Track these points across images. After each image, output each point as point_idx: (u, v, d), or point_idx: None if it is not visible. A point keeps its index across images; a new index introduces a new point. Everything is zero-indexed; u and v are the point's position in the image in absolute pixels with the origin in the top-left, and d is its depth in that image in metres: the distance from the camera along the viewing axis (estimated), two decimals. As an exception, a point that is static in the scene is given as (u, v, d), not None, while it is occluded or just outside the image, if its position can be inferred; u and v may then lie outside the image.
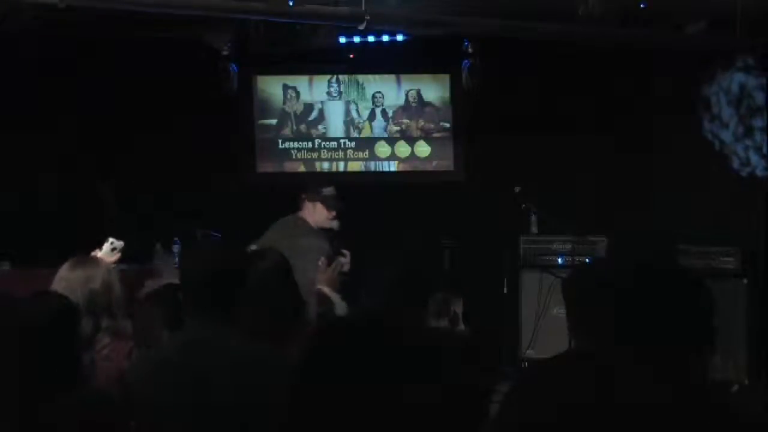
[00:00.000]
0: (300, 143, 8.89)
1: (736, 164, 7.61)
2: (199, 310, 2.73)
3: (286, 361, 2.68)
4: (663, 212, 8.17)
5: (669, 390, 2.07)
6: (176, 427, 2.67)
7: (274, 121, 8.89)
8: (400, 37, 8.13)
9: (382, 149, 8.87)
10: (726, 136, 7.76)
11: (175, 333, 2.90)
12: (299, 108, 8.87)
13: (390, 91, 8.83)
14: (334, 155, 8.88)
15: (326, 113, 8.85)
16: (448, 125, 8.82)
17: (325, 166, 8.92)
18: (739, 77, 7.85)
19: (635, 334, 2.14)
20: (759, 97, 7.72)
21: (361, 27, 5.97)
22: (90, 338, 3.64)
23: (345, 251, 5.59)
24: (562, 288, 2.46)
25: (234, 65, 8.05)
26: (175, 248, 7.28)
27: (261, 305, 2.98)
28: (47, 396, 2.82)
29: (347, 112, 8.85)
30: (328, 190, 6.16)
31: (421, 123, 8.84)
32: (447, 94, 8.78)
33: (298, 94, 8.85)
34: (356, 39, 8.12)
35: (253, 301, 2.86)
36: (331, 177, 8.86)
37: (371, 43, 8.19)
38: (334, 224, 6.18)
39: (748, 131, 7.70)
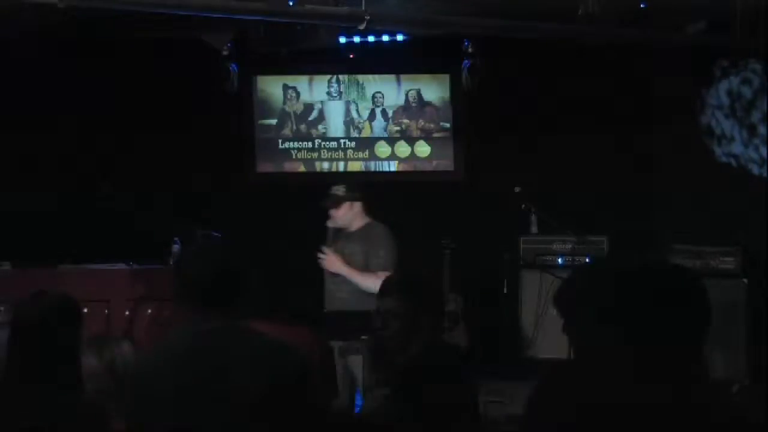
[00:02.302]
0: (300, 143, 8.89)
1: (756, 170, 7.58)
2: (202, 310, 2.73)
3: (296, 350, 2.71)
4: (663, 212, 8.18)
5: (669, 390, 2.08)
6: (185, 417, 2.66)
7: (274, 121, 8.89)
8: (400, 37, 8.13)
9: (382, 149, 8.87)
10: (738, 148, 7.74)
11: (182, 328, 2.87)
12: (299, 108, 8.87)
13: (390, 91, 8.82)
14: (334, 155, 8.88)
15: (326, 113, 8.85)
16: (448, 125, 8.82)
17: (325, 166, 8.92)
18: (723, 85, 7.86)
19: (635, 334, 2.14)
20: (746, 92, 7.73)
21: (361, 27, 5.96)
22: None
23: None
24: (558, 295, 2.46)
25: (234, 65, 8.04)
26: (175, 248, 7.28)
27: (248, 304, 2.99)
28: (49, 396, 2.82)
29: (347, 112, 8.85)
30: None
31: (421, 123, 8.84)
32: (447, 94, 8.78)
33: (298, 94, 8.85)
34: (356, 39, 8.11)
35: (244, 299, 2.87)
36: (331, 177, 8.87)
37: (371, 43, 8.18)
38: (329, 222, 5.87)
39: (752, 130, 7.70)
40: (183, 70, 8.16)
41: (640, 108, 8.31)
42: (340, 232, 5.83)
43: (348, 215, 5.76)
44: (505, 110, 8.38)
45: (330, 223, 5.77)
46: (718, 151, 7.85)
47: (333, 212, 5.76)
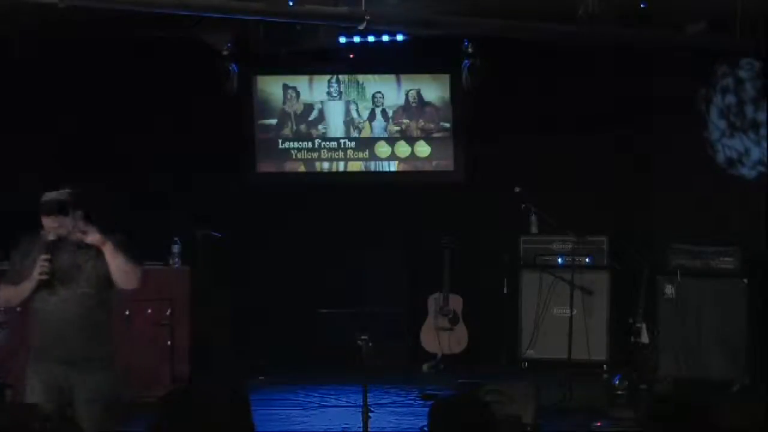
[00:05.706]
0: (300, 143, 8.89)
1: None
2: None
3: None
4: (663, 212, 8.18)
5: None
6: None
7: (274, 121, 8.89)
8: (400, 37, 8.13)
9: (382, 149, 8.87)
10: (756, 154, 7.72)
11: None
12: (299, 108, 8.87)
13: (390, 91, 8.82)
14: (334, 155, 8.88)
15: (326, 113, 8.85)
16: (448, 125, 8.81)
17: (325, 166, 8.92)
18: (713, 113, 7.88)
19: None
20: (731, 99, 7.76)
21: (361, 27, 5.97)
22: None
23: None
24: None
25: (234, 65, 8.05)
26: (175, 248, 7.28)
27: None
28: None
29: (347, 112, 8.85)
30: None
31: (421, 123, 8.84)
32: (447, 94, 8.77)
33: (298, 94, 8.85)
34: (356, 39, 8.12)
35: None
36: (331, 177, 8.88)
37: (371, 43, 8.19)
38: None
39: (755, 127, 7.70)
40: (183, 70, 8.16)
41: (640, 108, 8.30)
42: (58, 242, 5.08)
43: (71, 223, 5.32)
44: (505, 110, 8.38)
45: (49, 234, 5.26)
46: (745, 170, 7.83)
47: (57, 219, 5.26)
